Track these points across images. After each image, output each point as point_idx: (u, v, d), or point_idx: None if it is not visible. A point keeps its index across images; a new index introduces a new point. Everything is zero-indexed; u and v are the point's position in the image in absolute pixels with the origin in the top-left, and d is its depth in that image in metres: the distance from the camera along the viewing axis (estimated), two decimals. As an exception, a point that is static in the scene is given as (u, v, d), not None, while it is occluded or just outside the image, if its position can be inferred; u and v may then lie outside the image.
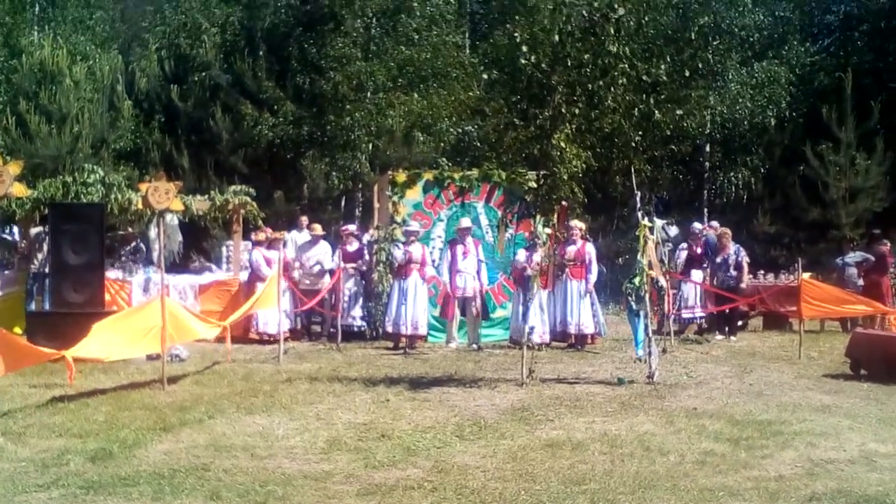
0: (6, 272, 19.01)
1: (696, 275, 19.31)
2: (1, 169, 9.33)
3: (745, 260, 19.26)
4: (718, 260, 19.15)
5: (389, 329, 17.43)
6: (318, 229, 19.69)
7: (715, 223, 21.21)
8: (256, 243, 18.77)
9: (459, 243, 17.57)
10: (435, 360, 15.59)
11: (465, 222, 17.86)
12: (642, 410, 10.90)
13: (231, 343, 14.91)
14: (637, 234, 13.22)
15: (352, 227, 19.72)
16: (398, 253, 17.52)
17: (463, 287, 17.40)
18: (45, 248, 17.24)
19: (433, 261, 18.03)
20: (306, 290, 18.38)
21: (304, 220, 20.84)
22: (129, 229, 20.00)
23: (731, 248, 19.18)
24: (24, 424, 9.97)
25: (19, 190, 9.87)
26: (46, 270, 16.87)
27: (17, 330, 15.47)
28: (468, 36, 35.15)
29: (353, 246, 18.61)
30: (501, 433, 9.67)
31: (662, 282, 14.41)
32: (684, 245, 19.90)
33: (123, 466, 8.22)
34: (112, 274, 17.70)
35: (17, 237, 19.96)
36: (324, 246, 19.26)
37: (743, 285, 19.00)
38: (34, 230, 18.48)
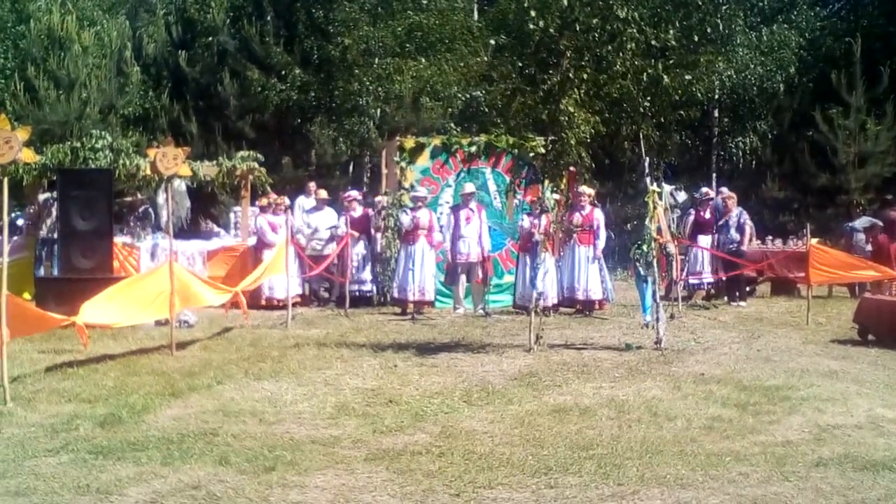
0: (15, 238, 19.04)
1: (704, 240, 19.26)
2: (9, 135, 9.28)
3: (748, 223, 19.22)
4: (720, 223, 19.13)
5: (396, 295, 17.46)
6: (323, 195, 19.68)
7: (724, 189, 21.14)
8: (262, 209, 18.80)
9: (463, 208, 17.54)
10: (443, 326, 15.61)
11: (469, 187, 17.82)
12: (650, 376, 10.91)
13: (240, 308, 14.92)
14: (646, 199, 13.17)
15: (355, 193, 19.67)
16: (405, 218, 17.49)
17: (466, 253, 17.38)
18: (54, 213, 17.27)
19: (441, 227, 18.03)
20: (313, 255, 18.40)
21: (313, 185, 20.79)
22: (138, 195, 20.03)
23: (735, 211, 19.15)
24: (34, 390, 10.03)
25: (28, 156, 9.82)
26: (55, 236, 16.91)
27: (27, 295, 15.52)
28: (475, 0, 34.94)
29: (357, 212, 18.57)
30: (509, 399, 9.68)
31: (671, 248, 14.42)
32: (692, 210, 19.87)
33: (132, 431, 8.26)
34: (120, 240, 17.73)
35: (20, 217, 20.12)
36: (329, 212, 19.27)
37: (744, 248, 18.95)
38: (42, 196, 18.51)
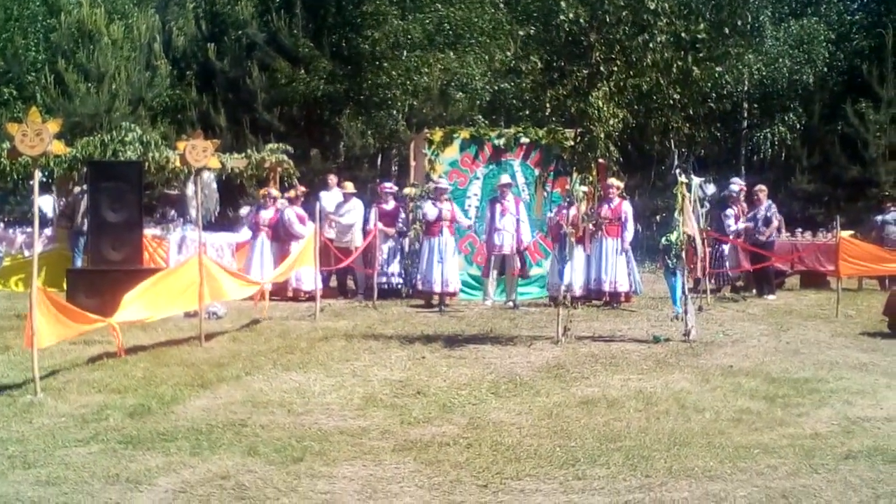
0: (46, 231, 19.20)
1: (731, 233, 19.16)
2: (40, 127, 9.33)
3: (776, 216, 19.08)
4: (750, 215, 19.04)
5: (421, 287, 17.45)
6: (350, 187, 19.55)
7: (737, 179, 20.92)
8: (290, 200, 18.78)
9: (499, 201, 17.50)
10: (471, 318, 15.61)
11: (505, 179, 17.74)
12: (678, 368, 10.88)
13: (268, 300, 14.98)
14: (674, 192, 13.13)
15: (390, 185, 19.62)
16: (431, 209, 17.41)
17: (500, 244, 17.35)
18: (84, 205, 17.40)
19: (469, 218, 18.02)
20: (340, 247, 18.37)
21: (333, 178, 20.58)
22: (173, 190, 20.14)
23: (765, 203, 19.03)
24: (64, 380, 10.09)
25: (58, 148, 9.89)
26: (85, 228, 17.02)
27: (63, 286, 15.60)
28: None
29: (389, 204, 18.56)
30: (537, 390, 9.68)
31: (699, 240, 14.35)
32: (730, 206, 19.54)
33: (162, 422, 8.31)
34: (149, 232, 17.80)
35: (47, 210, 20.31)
36: (355, 203, 19.15)
37: (763, 238, 18.71)
38: (76, 189, 18.64)
